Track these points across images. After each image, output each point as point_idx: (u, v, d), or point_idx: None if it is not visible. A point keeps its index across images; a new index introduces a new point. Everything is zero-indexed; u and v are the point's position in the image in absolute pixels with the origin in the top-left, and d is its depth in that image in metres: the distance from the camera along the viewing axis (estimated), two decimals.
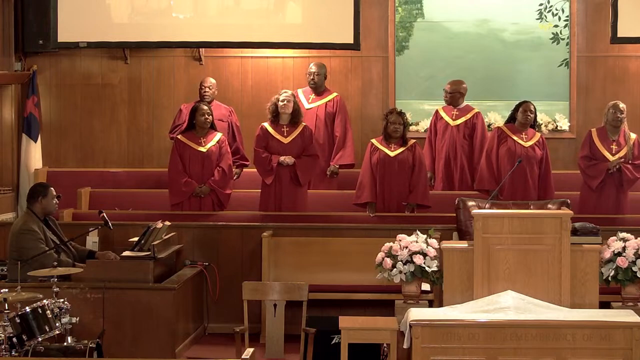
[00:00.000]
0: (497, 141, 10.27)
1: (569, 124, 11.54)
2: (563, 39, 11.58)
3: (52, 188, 8.76)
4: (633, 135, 10.24)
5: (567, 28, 11.57)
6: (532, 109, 10.27)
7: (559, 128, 11.58)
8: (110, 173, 11.60)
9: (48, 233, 8.66)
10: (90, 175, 11.52)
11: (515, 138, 10.24)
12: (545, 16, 11.59)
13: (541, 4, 11.59)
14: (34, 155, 11.61)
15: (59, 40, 11.18)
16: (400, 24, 11.68)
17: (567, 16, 11.57)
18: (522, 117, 10.24)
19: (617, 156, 10.10)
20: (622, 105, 10.19)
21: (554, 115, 11.62)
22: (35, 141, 11.61)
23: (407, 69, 11.69)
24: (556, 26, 11.59)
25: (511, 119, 10.39)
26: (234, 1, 11.33)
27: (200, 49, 11.71)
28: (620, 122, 10.15)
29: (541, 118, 11.53)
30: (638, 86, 11.65)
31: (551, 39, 11.61)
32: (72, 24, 11.15)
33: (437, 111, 11.06)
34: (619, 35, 11.04)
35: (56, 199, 8.76)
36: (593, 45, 11.60)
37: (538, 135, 10.35)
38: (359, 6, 11.12)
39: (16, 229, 8.62)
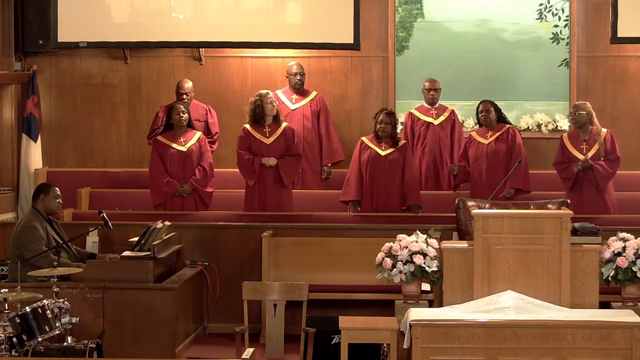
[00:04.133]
0: (465, 148, 10.47)
1: (569, 124, 11.54)
2: (563, 39, 11.58)
3: (55, 188, 8.78)
4: (604, 130, 10.26)
5: (567, 28, 11.57)
6: (489, 107, 10.36)
7: (559, 128, 11.58)
8: (110, 173, 11.61)
9: (51, 232, 8.67)
10: (90, 175, 11.53)
11: (479, 139, 10.31)
12: (545, 16, 11.59)
13: (541, 4, 11.59)
14: (34, 155, 11.60)
15: (59, 40, 11.18)
16: (400, 24, 11.68)
17: (567, 16, 11.56)
18: (480, 118, 10.49)
19: (588, 155, 10.13)
20: (583, 106, 10.21)
21: (554, 115, 11.62)
22: (35, 141, 11.61)
23: (407, 69, 11.69)
24: (556, 26, 11.59)
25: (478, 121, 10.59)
26: (234, 1, 11.33)
27: (200, 49, 11.71)
28: (579, 123, 10.19)
29: (541, 118, 11.56)
30: (638, 86, 11.65)
31: (551, 39, 11.61)
32: (72, 24, 11.15)
33: (410, 113, 11.09)
34: (619, 35, 11.04)
35: (60, 199, 8.77)
36: (593, 45, 11.60)
37: (506, 127, 10.36)
38: (359, 6, 11.12)
39: (19, 226, 8.65)
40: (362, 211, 10.13)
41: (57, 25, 11.12)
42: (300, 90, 11.19)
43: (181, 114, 10.41)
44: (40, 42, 11.47)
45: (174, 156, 10.41)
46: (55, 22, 11.11)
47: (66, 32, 11.15)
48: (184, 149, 10.42)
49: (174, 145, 10.43)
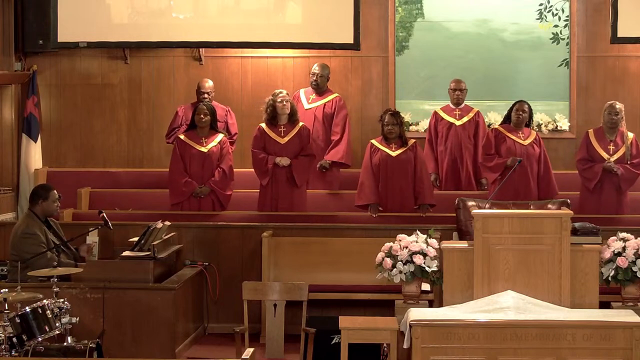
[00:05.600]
0: (495, 141, 10.31)
1: (569, 124, 11.54)
2: (563, 39, 11.59)
3: (54, 191, 8.74)
4: (630, 135, 10.26)
5: (567, 28, 11.57)
6: (526, 108, 10.32)
7: (559, 128, 11.58)
8: (110, 173, 11.60)
9: (49, 235, 8.66)
10: (90, 175, 11.52)
11: (513, 137, 10.27)
12: (545, 16, 11.59)
13: (541, 4, 11.59)
14: (34, 155, 11.60)
15: (59, 40, 11.18)
16: (400, 24, 11.68)
17: (567, 16, 11.57)
18: (514, 116, 10.31)
19: (614, 157, 10.12)
20: (618, 106, 10.19)
21: (554, 115, 11.62)
22: (35, 141, 11.61)
23: (407, 69, 11.69)
24: (556, 26, 11.60)
25: (507, 119, 10.44)
26: (234, 1, 11.33)
27: (200, 49, 11.71)
28: (615, 124, 10.17)
29: (541, 118, 11.55)
30: (638, 86, 11.65)
31: (551, 39, 11.61)
32: (72, 24, 11.15)
33: (435, 112, 11.07)
34: (619, 35, 11.04)
35: (58, 202, 8.75)
36: (593, 45, 11.60)
37: (534, 133, 10.39)
38: (359, 6, 11.12)
39: (18, 232, 8.61)
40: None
41: (57, 25, 11.12)
42: (319, 90, 11.15)
43: (202, 116, 10.39)
44: (40, 42, 11.46)
45: (195, 156, 10.40)
46: (55, 22, 11.11)
47: (66, 32, 11.15)
48: (204, 149, 10.41)
49: (195, 145, 10.42)
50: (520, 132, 10.31)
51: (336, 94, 11.18)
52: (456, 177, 10.90)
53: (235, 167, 11.01)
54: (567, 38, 11.57)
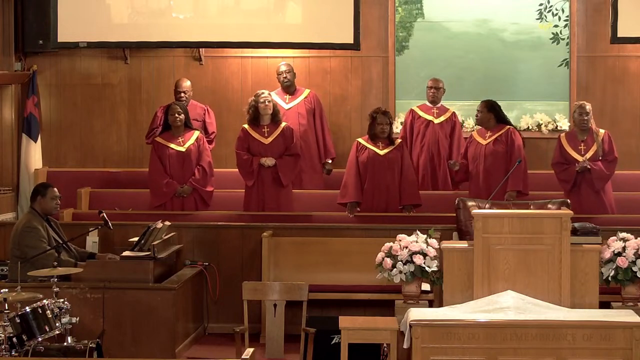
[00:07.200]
0: (467, 145, 10.47)
1: (569, 124, 11.54)
2: (563, 39, 11.59)
3: (53, 189, 8.74)
4: (602, 131, 10.28)
5: (567, 28, 11.57)
6: (481, 108, 10.36)
7: (558, 128, 11.58)
8: (110, 173, 11.61)
9: (51, 232, 8.66)
10: (90, 175, 11.53)
11: (478, 139, 10.33)
12: (545, 16, 11.59)
13: (541, 4, 11.59)
14: (34, 155, 11.61)
15: (59, 40, 11.19)
16: (400, 24, 11.68)
17: (567, 16, 11.57)
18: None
19: (586, 156, 10.15)
20: (588, 107, 10.23)
21: (554, 115, 11.62)
22: (35, 141, 11.61)
23: (407, 69, 11.69)
24: (556, 26, 11.60)
25: None
26: (234, 1, 11.33)
27: (200, 49, 11.71)
28: (586, 124, 10.20)
29: (541, 118, 11.56)
30: (638, 86, 11.65)
31: (551, 39, 11.61)
32: (72, 24, 11.15)
33: (412, 110, 11.11)
34: (619, 35, 11.04)
35: (57, 200, 8.75)
36: (593, 45, 11.60)
37: (505, 129, 10.35)
38: (359, 6, 11.12)
39: (19, 227, 8.63)
40: (362, 211, 10.13)
41: (57, 25, 11.12)
42: (289, 88, 11.19)
43: (177, 115, 10.42)
44: (40, 42, 11.47)
45: (173, 157, 10.42)
46: (55, 22, 11.11)
47: (66, 32, 11.16)
48: (182, 149, 10.43)
49: (172, 145, 10.44)
50: (487, 132, 10.35)
51: (309, 90, 11.23)
52: (434, 174, 10.93)
53: (228, 167, 11.05)
54: (567, 38, 11.57)
